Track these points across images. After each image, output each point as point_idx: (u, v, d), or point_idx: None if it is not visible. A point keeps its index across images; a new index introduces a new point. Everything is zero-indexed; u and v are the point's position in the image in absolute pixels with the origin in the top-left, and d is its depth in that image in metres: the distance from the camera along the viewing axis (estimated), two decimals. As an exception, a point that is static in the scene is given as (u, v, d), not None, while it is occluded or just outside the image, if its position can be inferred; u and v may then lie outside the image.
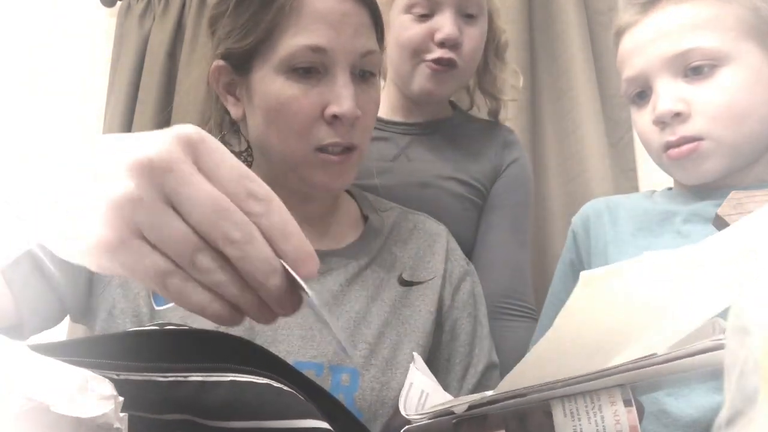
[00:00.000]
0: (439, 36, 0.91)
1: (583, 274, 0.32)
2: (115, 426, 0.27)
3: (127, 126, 1.77)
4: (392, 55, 0.98)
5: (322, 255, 0.72)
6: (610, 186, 1.29)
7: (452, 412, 0.44)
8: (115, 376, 0.33)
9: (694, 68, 0.69)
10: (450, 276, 0.78)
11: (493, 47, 1.00)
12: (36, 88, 1.90)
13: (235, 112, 0.73)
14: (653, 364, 0.38)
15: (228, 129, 0.76)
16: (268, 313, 0.34)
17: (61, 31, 1.95)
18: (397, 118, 1.02)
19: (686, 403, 0.65)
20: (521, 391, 0.41)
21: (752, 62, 0.69)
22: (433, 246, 0.79)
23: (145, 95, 1.76)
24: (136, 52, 1.82)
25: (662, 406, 0.67)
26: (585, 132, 1.33)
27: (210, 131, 0.78)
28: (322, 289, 0.71)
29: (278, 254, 0.32)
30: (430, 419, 0.46)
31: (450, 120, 1.04)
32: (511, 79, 1.04)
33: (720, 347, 0.37)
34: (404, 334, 0.71)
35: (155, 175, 0.30)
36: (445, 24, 0.91)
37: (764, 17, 0.70)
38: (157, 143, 0.31)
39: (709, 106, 0.68)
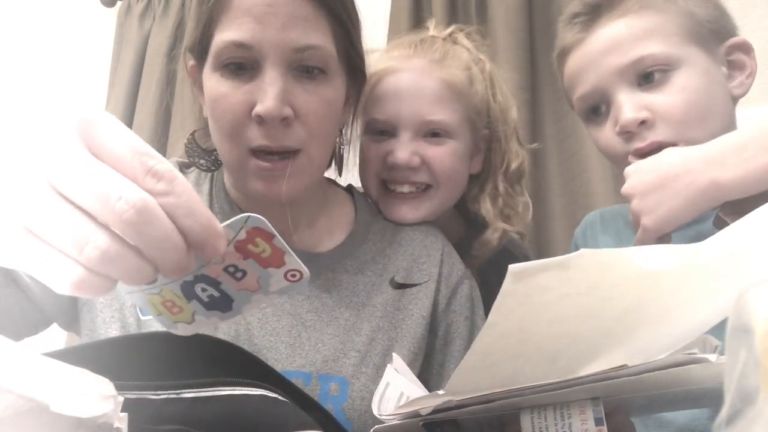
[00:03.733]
0: (390, 159, 0.80)
1: (510, 267, 0.31)
2: (115, 426, 0.27)
3: (127, 126, 1.76)
4: (360, 180, 0.87)
5: (310, 257, 0.71)
6: (610, 186, 1.29)
7: (420, 414, 0.44)
8: None
9: (647, 75, 0.70)
10: (446, 279, 0.76)
11: (501, 171, 0.87)
12: (36, 88, 1.90)
13: (205, 110, 0.70)
14: (623, 376, 0.37)
15: (204, 129, 0.73)
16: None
17: (61, 31, 1.95)
18: None
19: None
20: (489, 396, 0.40)
21: (700, 63, 0.70)
22: (429, 249, 0.78)
23: (145, 95, 1.76)
24: (136, 52, 1.82)
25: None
26: (585, 132, 1.32)
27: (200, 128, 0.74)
28: (309, 294, 0.69)
29: (182, 231, 0.32)
30: (399, 420, 0.45)
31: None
32: (521, 210, 0.88)
33: (693, 361, 0.37)
34: (396, 339, 0.70)
35: (45, 170, 0.30)
36: (397, 147, 0.80)
37: (701, 21, 0.72)
38: (47, 134, 0.31)
39: (672, 110, 0.69)
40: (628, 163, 0.70)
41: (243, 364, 0.41)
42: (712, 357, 0.37)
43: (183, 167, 0.77)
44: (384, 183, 0.83)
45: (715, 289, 0.36)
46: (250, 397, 0.37)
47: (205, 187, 0.75)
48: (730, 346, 0.25)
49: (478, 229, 0.87)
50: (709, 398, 0.44)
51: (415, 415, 0.44)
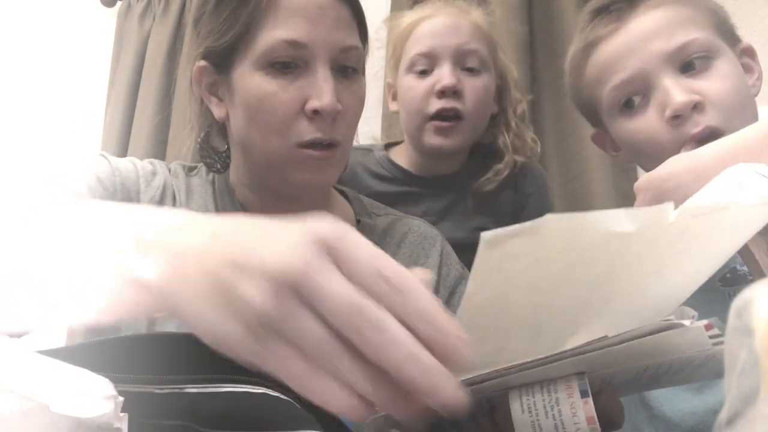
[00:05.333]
0: (437, 86, 0.93)
1: (482, 234, 0.31)
2: (115, 426, 0.27)
3: (127, 126, 1.77)
4: (402, 116, 1.00)
5: None
6: (610, 186, 1.29)
7: None
8: None
9: (689, 63, 0.69)
10: (445, 279, 0.78)
11: (511, 110, 1.03)
12: (36, 88, 1.90)
13: (218, 112, 0.72)
14: (605, 347, 0.39)
15: (214, 130, 0.76)
16: (409, 408, 0.30)
17: (61, 31, 1.95)
18: (420, 173, 1.02)
19: (683, 406, 0.65)
20: (478, 377, 0.41)
21: (731, 56, 0.71)
22: (428, 250, 0.79)
23: (145, 95, 1.76)
24: (136, 52, 1.82)
25: (657, 410, 0.67)
26: (585, 132, 1.33)
27: (194, 133, 0.76)
28: None
29: (421, 340, 0.30)
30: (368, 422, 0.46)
31: (461, 175, 1.02)
32: (531, 142, 1.05)
33: (669, 327, 0.38)
34: None
35: (293, 285, 0.29)
36: (443, 75, 0.93)
37: (723, 20, 0.73)
38: (292, 249, 0.30)
39: (720, 95, 0.68)
40: (676, 152, 0.67)
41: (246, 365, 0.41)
42: (687, 322, 0.38)
43: (188, 171, 0.78)
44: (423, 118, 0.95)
45: (680, 255, 0.37)
46: (252, 394, 0.37)
47: (209, 189, 0.76)
48: (730, 346, 0.25)
49: (483, 158, 1.02)
50: (689, 371, 0.45)
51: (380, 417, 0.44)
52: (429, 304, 0.30)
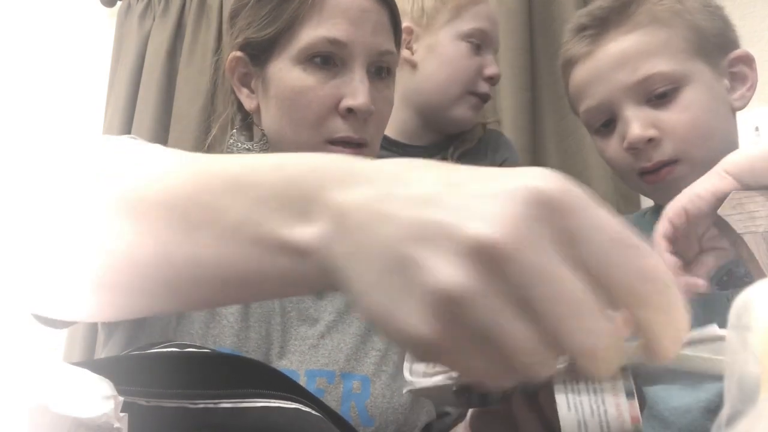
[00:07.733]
0: (489, 72, 0.99)
1: None
2: (115, 426, 0.27)
3: (127, 126, 1.77)
4: (437, 77, 0.99)
5: None
6: (609, 186, 1.29)
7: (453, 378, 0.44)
8: (145, 403, 0.33)
9: (658, 95, 0.70)
10: None
11: None
12: (36, 87, 1.90)
13: (248, 104, 0.73)
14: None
15: (239, 124, 0.77)
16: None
17: (61, 31, 1.95)
18: (403, 140, 1.05)
19: (677, 404, 0.66)
20: None
21: (706, 80, 0.70)
22: None
23: (145, 95, 1.76)
24: (136, 52, 1.82)
25: (652, 409, 0.67)
26: (585, 132, 1.32)
27: (218, 126, 0.79)
28: (333, 296, 0.71)
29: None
30: (432, 384, 0.46)
31: (435, 147, 1.06)
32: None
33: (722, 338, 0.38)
34: None
35: (498, 266, 0.23)
36: (493, 62, 1.00)
37: (707, 35, 0.71)
38: (501, 214, 0.23)
39: (678, 128, 0.69)
40: (635, 179, 0.72)
41: (274, 382, 0.41)
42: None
43: None
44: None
45: None
46: (285, 410, 0.36)
47: None
48: (730, 346, 0.25)
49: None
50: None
51: (448, 378, 0.44)
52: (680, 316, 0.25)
